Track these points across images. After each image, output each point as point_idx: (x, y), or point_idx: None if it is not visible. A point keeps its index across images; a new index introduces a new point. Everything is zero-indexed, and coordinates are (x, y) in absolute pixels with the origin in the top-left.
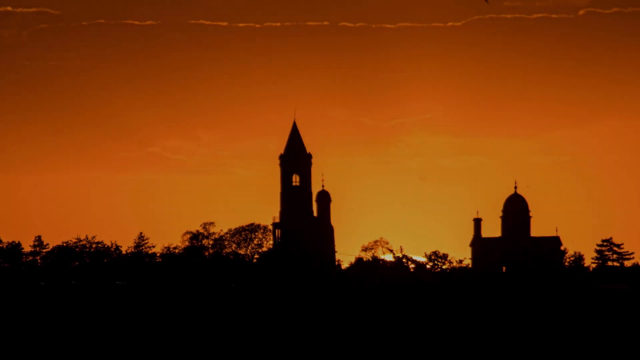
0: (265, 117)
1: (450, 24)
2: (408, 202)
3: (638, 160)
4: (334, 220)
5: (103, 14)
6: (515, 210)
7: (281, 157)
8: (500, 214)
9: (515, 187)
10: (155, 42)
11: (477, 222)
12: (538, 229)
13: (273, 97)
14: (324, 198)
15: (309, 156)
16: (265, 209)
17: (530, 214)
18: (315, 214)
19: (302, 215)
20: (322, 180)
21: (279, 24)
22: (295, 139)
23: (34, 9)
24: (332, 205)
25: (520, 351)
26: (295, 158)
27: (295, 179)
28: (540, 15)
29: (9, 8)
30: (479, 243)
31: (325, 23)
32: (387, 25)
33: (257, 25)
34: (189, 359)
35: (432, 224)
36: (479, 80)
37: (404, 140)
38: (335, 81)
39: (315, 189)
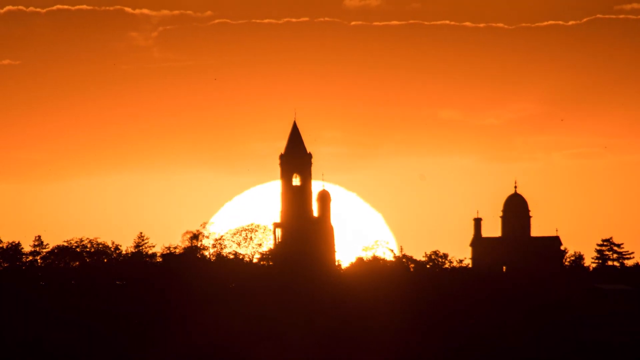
0: (265, 117)
1: (571, 22)
2: (408, 202)
3: (638, 160)
4: (334, 220)
5: (228, 13)
6: (515, 210)
7: (281, 157)
8: (500, 214)
9: (515, 187)
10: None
11: (477, 222)
12: (538, 229)
13: (273, 97)
14: (324, 198)
15: (309, 156)
16: (265, 209)
17: (530, 214)
18: (315, 214)
19: (302, 215)
20: (322, 180)
21: (403, 23)
22: (295, 139)
23: (176, 12)
24: (332, 205)
25: (521, 351)
26: (295, 158)
27: (296, 179)
28: None
29: (146, 11)
30: (479, 243)
31: (452, 23)
32: (505, 26)
33: (373, 23)
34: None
35: (432, 224)
36: (595, 78)
37: (515, 139)
38: (445, 82)
39: (315, 189)
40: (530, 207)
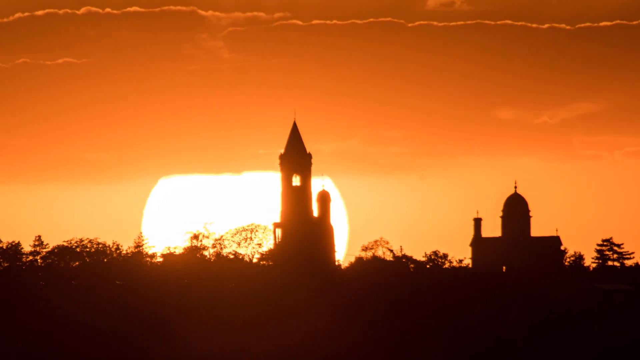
0: (265, 117)
1: (635, 22)
2: (408, 201)
3: (638, 159)
4: (334, 220)
5: (300, 14)
6: (515, 210)
7: (281, 157)
8: (500, 214)
9: (515, 187)
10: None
11: (477, 222)
12: (538, 229)
13: (273, 97)
14: (324, 198)
15: (309, 156)
16: (265, 209)
17: (530, 214)
18: (315, 214)
19: (302, 215)
20: (322, 180)
21: (467, 23)
22: (295, 139)
23: (248, 14)
24: (332, 205)
25: (520, 351)
26: (295, 158)
27: (295, 179)
28: None
29: (217, 13)
30: (479, 243)
31: (508, 22)
32: (567, 27)
33: (437, 24)
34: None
35: (432, 224)
36: None
37: (574, 138)
38: (503, 81)
39: (315, 189)
40: (530, 207)
